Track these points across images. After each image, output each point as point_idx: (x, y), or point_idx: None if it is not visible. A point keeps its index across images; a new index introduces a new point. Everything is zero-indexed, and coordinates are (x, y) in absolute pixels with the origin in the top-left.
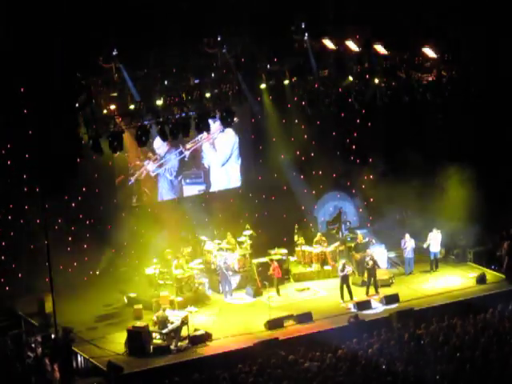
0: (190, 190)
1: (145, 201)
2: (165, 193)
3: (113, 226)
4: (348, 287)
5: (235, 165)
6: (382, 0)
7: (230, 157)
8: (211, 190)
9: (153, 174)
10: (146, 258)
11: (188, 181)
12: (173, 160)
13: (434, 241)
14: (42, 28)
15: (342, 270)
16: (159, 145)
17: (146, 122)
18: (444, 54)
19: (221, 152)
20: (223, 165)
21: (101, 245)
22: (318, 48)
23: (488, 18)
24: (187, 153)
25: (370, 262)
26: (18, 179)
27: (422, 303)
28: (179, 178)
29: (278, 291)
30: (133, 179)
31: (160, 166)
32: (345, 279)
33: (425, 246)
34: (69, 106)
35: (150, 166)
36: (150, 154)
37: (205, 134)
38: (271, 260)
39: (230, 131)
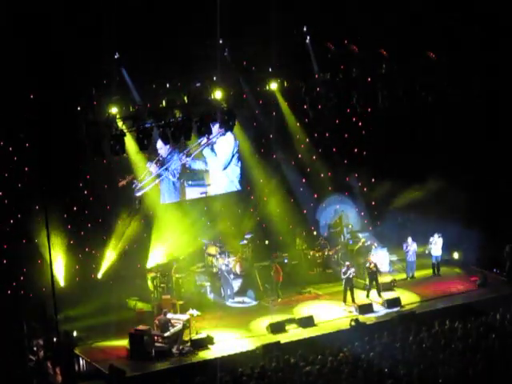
0: (192, 192)
1: (148, 204)
2: (167, 196)
3: (114, 228)
4: (351, 290)
5: (236, 168)
6: (383, 3)
7: (230, 160)
8: (212, 193)
9: (155, 176)
10: (148, 261)
11: (190, 182)
12: (176, 161)
13: (436, 245)
14: (44, 31)
15: (346, 273)
16: (162, 145)
17: (147, 125)
18: (445, 56)
19: (221, 156)
20: (225, 168)
21: (102, 248)
22: (320, 51)
23: (488, 18)
24: (188, 159)
25: (372, 266)
26: (20, 181)
27: (424, 306)
28: (182, 180)
29: (278, 295)
30: (137, 182)
31: (163, 167)
32: (348, 282)
33: (426, 251)
34: (70, 108)
35: (153, 168)
36: (153, 156)
37: (204, 139)
38: (273, 262)
39: (229, 134)
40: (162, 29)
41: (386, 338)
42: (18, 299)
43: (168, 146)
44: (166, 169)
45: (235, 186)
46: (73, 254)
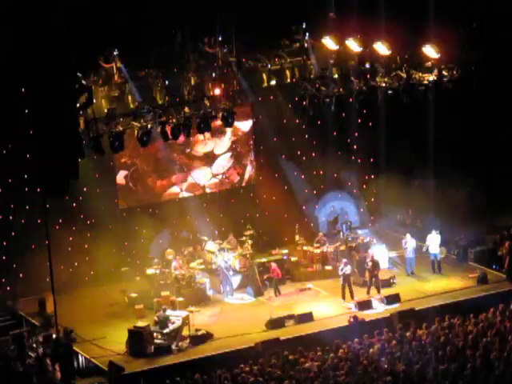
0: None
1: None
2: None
3: (113, 225)
4: (349, 287)
5: (235, 164)
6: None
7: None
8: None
9: None
10: (147, 258)
11: None
12: None
13: (433, 242)
14: (43, 28)
15: (343, 270)
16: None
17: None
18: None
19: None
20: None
21: (101, 245)
22: (319, 48)
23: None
24: None
25: (371, 263)
26: (19, 179)
27: (423, 303)
28: None
29: (276, 291)
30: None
31: None
32: (346, 278)
33: (424, 249)
34: (70, 106)
35: None
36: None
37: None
38: (269, 262)
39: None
40: (161, 26)
41: (386, 334)
42: (18, 296)
43: None
44: None
45: (236, 182)
46: (72, 251)
